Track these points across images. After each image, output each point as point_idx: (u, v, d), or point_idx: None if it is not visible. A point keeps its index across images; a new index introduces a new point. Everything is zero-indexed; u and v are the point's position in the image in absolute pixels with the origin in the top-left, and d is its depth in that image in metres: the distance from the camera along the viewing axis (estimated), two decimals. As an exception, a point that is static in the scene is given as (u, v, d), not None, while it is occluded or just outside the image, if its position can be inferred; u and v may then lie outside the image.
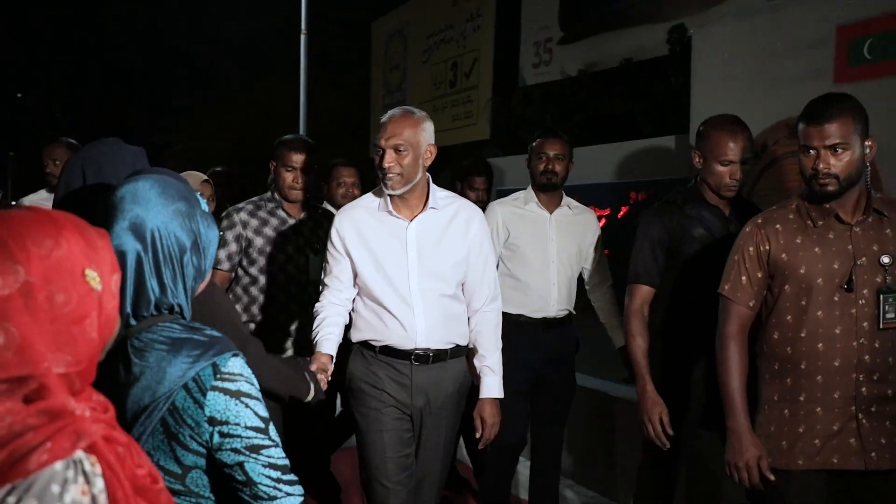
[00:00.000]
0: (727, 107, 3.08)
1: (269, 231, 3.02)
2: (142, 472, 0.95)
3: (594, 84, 6.31)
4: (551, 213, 3.20)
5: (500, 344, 2.57)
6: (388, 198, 2.41)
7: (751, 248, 2.17)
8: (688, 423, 2.67)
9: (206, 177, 3.99)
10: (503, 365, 3.01)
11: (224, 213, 3.07)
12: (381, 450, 2.45)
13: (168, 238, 1.28)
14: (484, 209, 3.35)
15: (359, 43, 9.96)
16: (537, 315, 3.17)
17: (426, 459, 2.53)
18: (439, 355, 2.45)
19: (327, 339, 2.43)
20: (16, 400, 0.88)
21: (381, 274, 2.41)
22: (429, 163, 2.41)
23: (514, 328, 3.09)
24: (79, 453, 0.88)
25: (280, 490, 1.26)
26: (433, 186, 2.48)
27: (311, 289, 2.96)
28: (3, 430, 0.86)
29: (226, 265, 2.99)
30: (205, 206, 1.37)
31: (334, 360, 2.40)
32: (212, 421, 1.22)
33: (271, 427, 1.28)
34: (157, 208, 1.28)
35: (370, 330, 2.46)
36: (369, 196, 2.51)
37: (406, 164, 2.34)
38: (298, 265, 3.06)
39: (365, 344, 2.49)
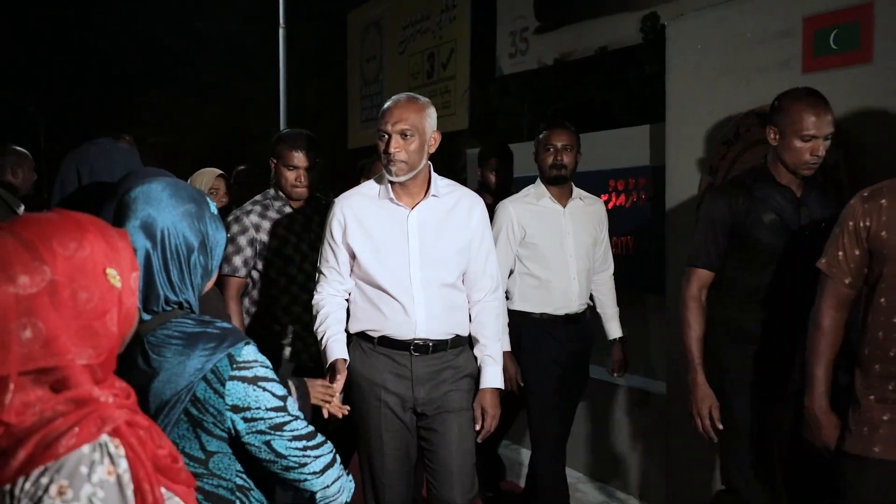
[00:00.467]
0: (700, 96, 3.18)
1: (281, 231, 2.93)
2: (163, 452, 1.02)
3: (570, 73, 6.40)
4: (564, 206, 3.14)
5: (502, 334, 2.48)
6: (389, 185, 2.36)
7: (850, 223, 2.02)
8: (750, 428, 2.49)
9: (220, 172, 3.93)
10: (531, 364, 3.06)
11: (232, 217, 2.95)
12: (379, 447, 2.40)
13: (177, 237, 1.35)
14: (506, 194, 3.35)
15: (335, 34, 9.95)
16: (561, 312, 3.11)
17: (441, 453, 2.42)
18: (439, 345, 2.40)
19: (336, 341, 2.37)
20: (45, 389, 0.95)
21: (381, 262, 2.36)
22: (433, 150, 2.37)
23: (539, 327, 3.08)
24: (104, 437, 0.95)
25: (308, 456, 1.37)
26: (434, 174, 2.42)
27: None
28: (35, 417, 0.93)
29: (243, 271, 2.89)
30: (214, 208, 1.44)
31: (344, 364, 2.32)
32: (234, 409, 1.31)
33: (289, 401, 1.37)
34: (168, 209, 1.35)
35: (368, 320, 2.40)
36: (369, 183, 2.45)
37: (412, 151, 2.29)
38: (314, 262, 2.85)
39: (362, 335, 2.43)
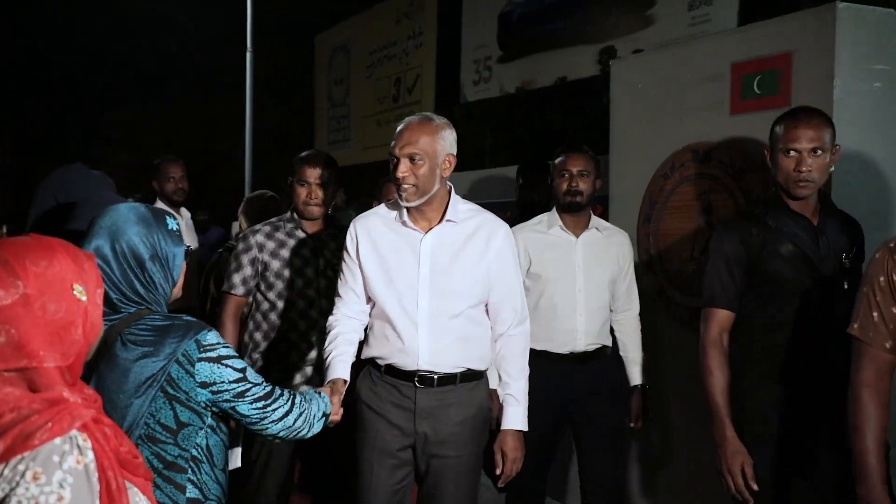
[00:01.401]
0: (641, 132, 3.40)
1: (285, 253, 2.85)
2: (124, 449, 1.19)
3: (531, 102, 6.62)
4: (578, 236, 2.91)
5: (526, 371, 2.37)
6: (405, 208, 2.27)
7: (881, 279, 1.79)
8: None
9: (271, 193, 3.84)
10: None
11: (241, 235, 2.94)
12: (369, 480, 2.30)
13: (130, 252, 1.62)
14: (546, 209, 3.07)
15: (302, 57, 10.10)
16: (563, 350, 2.88)
17: (438, 498, 2.30)
18: (447, 379, 2.26)
19: (341, 360, 2.25)
20: (23, 389, 1.13)
21: (391, 287, 2.26)
22: (447, 173, 2.24)
23: (538, 364, 2.74)
24: (74, 432, 1.12)
25: (268, 411, 1.69)
26: (455, 198, 2.31)
27: None
28: (14, 414, 1.10)
29: (240, 290, 2.84)
30: (173, 225, 1.69)
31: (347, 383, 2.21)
32: (203, 385, 1.60)
33: (248, 371, 1.68)
34: (124, 228, 1.63)
35: (377, 347, 2.31)
36: (387, 205, 2.36)
37: (421, 175, 2.17)
38: (318, 289, 2.87)
39: (373, 362, 2.33)
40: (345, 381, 2.18)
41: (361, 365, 2.38)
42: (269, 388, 1.71)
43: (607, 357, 2.95)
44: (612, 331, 3.05)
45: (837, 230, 2.32)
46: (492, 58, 7.07)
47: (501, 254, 2.30)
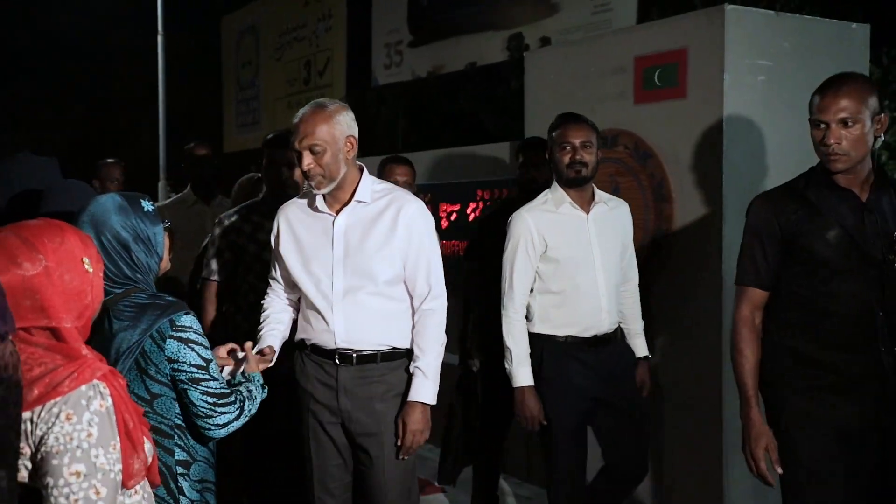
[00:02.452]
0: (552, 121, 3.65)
1: (262, 236, 2.80)
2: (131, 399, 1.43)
3: (442, 86, 6.79)
4: (588, 212, 2.73)
5: (439, 345, 2.35)
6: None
7: None
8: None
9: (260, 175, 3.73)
10: (552, 395, 2.69)
11: (216, 221, 2.94)
12: (310, 458, 2.39)
13: (114, 236, 1.76)
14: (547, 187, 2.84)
15: (209, 38, 9.93)
16: (588, 333, 2.70)
17: (371, 477, 2.34)
18: (367, 357, 2.31)
19: (269, 333, 2.39)
20: (48, 345, 1.35)
21: (307, 270, 2.34)
22: (351, 155, 2.27)
23: (563, 352, 2.69)
24: (95, 381, 1.34)
25: (216, 411, 1.78)
26: (368, 179, 2.34)
27: None
28: (42, 368, 1.32)
29: (220, 275, 2.86)
30: (148, 207, 1.82)
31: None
32: (169, 360, 1.73)
33: (212, 366, 1.78)
34: (105, 217, 1.76)
35: (303, 329, 2.39)
36: (309, 192, 2.36)
37: (326, 164, 2.22)
38: None
39: (301, 344, 2.40)
40: (271, 347, 2.31)
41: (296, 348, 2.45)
42: (225, 391, 1.80)
43: (620, 335, 2.85)
44: None
45: (891, 206, 2.11)
46: (403, 42, 7.19)
47: (411, 229, 2.30)
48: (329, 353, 2.32)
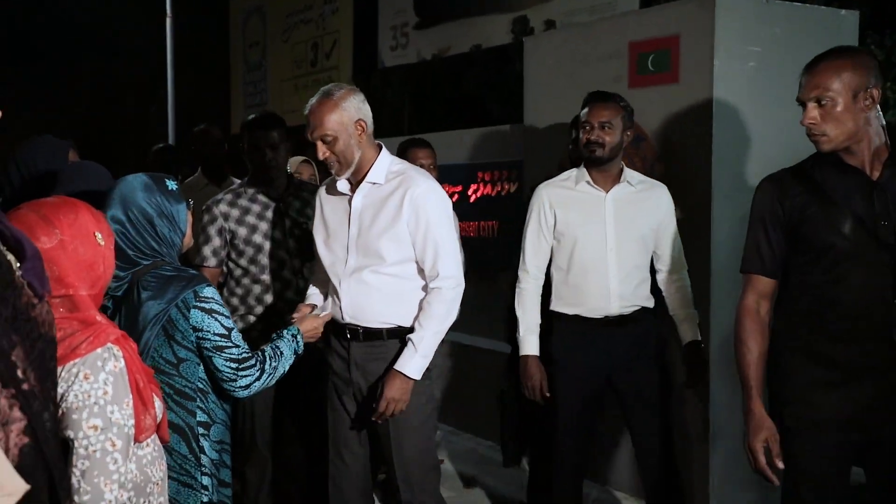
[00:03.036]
0: (551, 104, 3.74)
1: (251, 219, 2.91)
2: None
3: (448, 68, 6.85)
4: (607, 191, 2.72)
5: (437, 325, 2.37)
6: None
7: None
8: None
9: (304, 158, 4.04)
10: (557, 372, 2.73)
11: (204, 207, 2.96)
12: (331, 426, 2.54)
13: (140, 213, 1.90)
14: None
15: (217, 19, 10.00)
16: (597, 314, 2.71)
17: (387, 448, 2.42)
18: (373, 333, 2.41)
19: (309, 297, 2.62)
20: (65, 313, 1.48)
21: (330, 249, 2.47)
22: (364, 137, 2.34)
23: (571, 330, 2.73)
24: (109, 344, 1.49)
25: (238, 374, 1.95)
26: (386, 160, 2.41)
27: (307, 272, 2.89)
28: (60, 332, 1.42)
29: (212, 261, 2.91)
30: (172, 186, 1.96)
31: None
32: (194, 329, 1.91)
33: (234, 333, 1.95)
34: (131, 194, 1.91)
35: (329, 305, 2.51)
36: None
37: (339, 151, 2.31)
38: (288, 249, 2.93)
39: (332, 321, 2.49)
40: (311, 306, 2.49)
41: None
42: (246, 355, 1.96)
43: (650, 320, 2.78)
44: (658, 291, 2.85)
45: None
46: (409, 24, 7.25)
47: (418, 210, 2.33)
48: (342, 328, 2.45)
